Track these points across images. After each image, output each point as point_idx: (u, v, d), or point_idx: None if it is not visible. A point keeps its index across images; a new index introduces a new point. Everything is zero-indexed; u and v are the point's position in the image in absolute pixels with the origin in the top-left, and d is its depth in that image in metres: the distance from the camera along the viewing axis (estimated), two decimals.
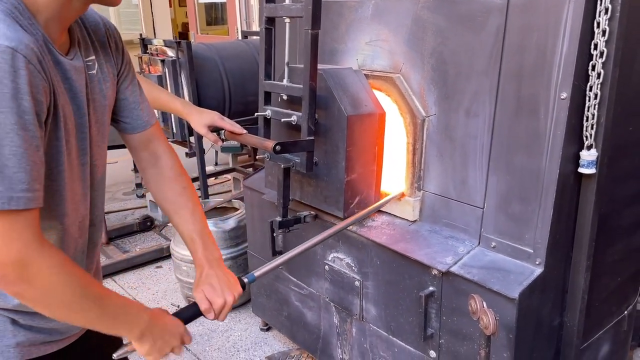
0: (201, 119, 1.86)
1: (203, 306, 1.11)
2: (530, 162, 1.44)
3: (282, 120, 1.79)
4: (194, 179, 3.79)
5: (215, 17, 7.37)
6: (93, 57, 1.01)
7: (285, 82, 1.81)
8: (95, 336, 1.00)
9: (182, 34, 8.70)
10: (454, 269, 1.53)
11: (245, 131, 1.86)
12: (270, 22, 1.83)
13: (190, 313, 1.13)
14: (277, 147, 1.68)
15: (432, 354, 1.64)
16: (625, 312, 1.84)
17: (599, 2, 1.28)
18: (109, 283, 3.09)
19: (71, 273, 0.86)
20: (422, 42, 1.65)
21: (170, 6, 8.70)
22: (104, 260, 3.18)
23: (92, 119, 1.00)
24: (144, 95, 1.17)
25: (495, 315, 1.18)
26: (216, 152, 4.76)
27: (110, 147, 1.29)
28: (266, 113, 1.90)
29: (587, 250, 1.47)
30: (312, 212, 1.95)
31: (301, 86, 1.69)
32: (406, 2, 1.69)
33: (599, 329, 1.71)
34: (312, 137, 1.74)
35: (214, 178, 4.44)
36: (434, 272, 1.57)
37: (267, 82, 1.87)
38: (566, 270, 1.52)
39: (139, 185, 4.54)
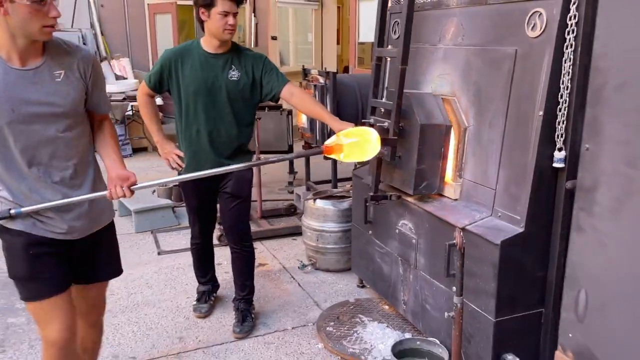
0: (341, 126, 2.51)
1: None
2: (522, 158, 2.15)
3: (378, 125, 2.69)
4: (327, 181, 4.81)
5: None
6: (61, 71, 1.73)
7: (384, 100, 2.71)
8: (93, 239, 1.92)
9: (347, 68, 10.01)
10: (468, 227, 2.27)
11: None
12: (378, 60, 2.77)
13: None
14: None
15: (454, 288, 2.38)
16: None
17: (565, 55, 1.98)
18: (258, 246, 4.22)
19: None
20: (468, 76, 2.45)
21: (338, 44, 10.09)
22: (258, 229, 4.32)
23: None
24: (103, 97, 1.93)
25: (462, 239, 1.93)
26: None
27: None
28: (370, 120, 2.79)
29: (561, 221, 2.11)
30: (397, 194, 2.79)
31: (391, 102, 2.58)
32: (462, 49, 2.50)
33: None
34: (396, 137, 2.60)
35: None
36: (456, 229, 2.32)
37: (373, 99, 2.80)
38: (548, 236, 2.17)
39: (290, 184, 5.76)
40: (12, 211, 1.78)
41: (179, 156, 2.76)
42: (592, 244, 1.34)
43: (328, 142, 2.08)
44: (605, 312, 1.30)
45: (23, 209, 1.79)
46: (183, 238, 4.32)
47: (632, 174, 1.37)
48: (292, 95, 2.72)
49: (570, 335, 1.33)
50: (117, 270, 2.14)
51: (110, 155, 1.93)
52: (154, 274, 3.69)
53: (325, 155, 2.10)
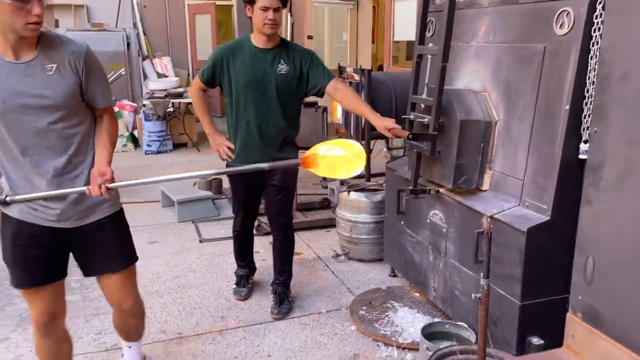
0: (382, 122, 2.71)
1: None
2: (549, 150, 2.25)
3: (418, 120, 2.81)
4: (360, 176, 4.94)
5: None
6: (53, 65, 1.77)
7: (424, 96, 2.82)
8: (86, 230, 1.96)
9: (381, 66, 10.12)
10: (496, 216, 2.39)
11: (407, 133, 2.76)
12: (419, 58, 2.88)
13: None
14: (409, 135, 2.71)
15: (482, 274, 2.49)
16: None
17: (591, 52, 2.08)
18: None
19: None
20: (499, 72, 2.57)
21: (373, 43, 10.22)
22: (293, 220, 4.50)
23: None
24: (99, 90, 1.92)
25: (489, 225, 2.05)
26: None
27: None
28: (410, 116, 2.91)
29: None
30: (435, 188, 2.90)
31: (432, 99, 2.69)
32: (493, 47, 2.61)
33: None
34: (436, 133, 2.70)
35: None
36: (484, 216, 2.44)
37: (413, 96, 2.91)
38: (573, 224, 2.26)
39: (324, 179, 5.92)
40: (7, 198, 1.87)
41: (229, 148, 2.94)
42: (598, 214, 1.46)
43: (306, 153, 1.92)
44: (610, 276, 1.41)
45: (16, 197, 1.86)
46: (222, 228, 4.54)
47: (631, 154, 1.50)
48: (337, 91, 2.87)
49: (579, 297, 1.45)
50: (119, 263, 2.08)
51: (100, 149, 1.94)
52: (196, 260, 3.91)
53: (303, 166, 1.96)
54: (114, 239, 2.07)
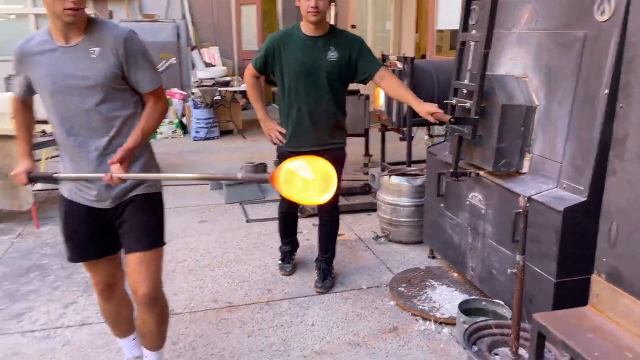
0: (424, 107, 2.81)
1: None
2: (587, 133, 2.33)
3: (460, 105, 2.91)
4: (401, 162, 5.05)
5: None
6: (97, 49, 1.87)
7: (466, 81, 2.92)
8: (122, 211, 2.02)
9: (424, 56, 10.12)
10: (534, 197, 2.48)
11: (449, 117, 2.86)
12: (462, 44, 2.98)
13: None
14: (451, 119, 2.82)
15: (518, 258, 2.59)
16: None
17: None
18: None
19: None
20: (540, 58, 2.64)
21: (416, 32, 10.21)
22: None
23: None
24: (141, 75, 1.95)
25: (526, 203, 2.15)
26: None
27: None
28: (452, 101, 3.01)
29: None
30: (476, 171, 3.00)
31: (474, 84, 2.79)
32: (535, 34, 2.69)
33: None
34: (477, 117, 2.79)
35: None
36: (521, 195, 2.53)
37: (456, 81, 3.02)
38: None
39: (365, 165, 6.06)
40: (55, 175, 1.97)
41: (280, 133, 3.10)
42: (622, 183, 1.55)
43: (276, 170, 1.78)
44: (631, 239, 1.50)
45: (61, 175, 1.97)
46: (268, 209, 4.75)
47: None
48: (383, 79, 3.00)
49: (603, 260, 1.54)
50: (141, 243, 2.05)
51: (132, 133, 1.96)
52: (243, 238, 4.13)
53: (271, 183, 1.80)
54: (141, 219, 2.06)
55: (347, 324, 2.90)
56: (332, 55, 2.94)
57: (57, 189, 2.18)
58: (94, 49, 1.88)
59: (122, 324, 2.37)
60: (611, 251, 1.51)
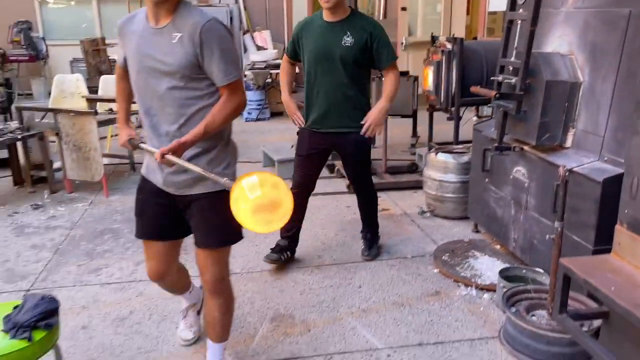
0: (375, 113, 3.07)
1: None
2: (629, 108, 2.41)
3: (506, 81, 3.03)
4: (448, 143, 5.15)
5: None
6: (178, 34, 1.84)
7: (513, 59, 3.03)
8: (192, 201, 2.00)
9: (475, 38, 10.04)
10: (575, 169, 2.59)
11: (495, 92, 3.01)
12: (510, 23, 3.09)
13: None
14: (496, 95, 2.95)
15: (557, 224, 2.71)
16: None
17: None
18: (381, 195, 4.73)
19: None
20: (585, 35, 2.72)
21: (468, 14, 10.13)
22: (381, 181, 4.86)
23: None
24: (216, 67, 1.87)
25: (565, 173, 2.27)
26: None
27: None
28: (499, 78, 3.13)
29: None
30: (520, 145, 3.10)
31: (520, 61, 2.90)
32: (582, 12, 2.76)
33: None
34: (522, 93, 2.91)
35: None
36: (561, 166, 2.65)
37: (502, 59, 3.13)
38: None
39: (413, 146, 6.18)
40: (135, 141, 2.04)
41: (300, 116, 3.23)
42: None
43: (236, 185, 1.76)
44: None
45: (138, 142, 2.05)
46: (318, 185, 4.96)
47: None
48: (386, 78, 3.13)
49: (625, 211, 1.66)
50: (206, 240, 2.05)
51: (193, 129, 1.91)
52: None
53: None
54: (209, 218, 2.02)
55: (392, 287, 3.10)
56: (348, 40, 2.98)
57: (123, 163, 2.38)
58: (176, 34, 1.85)
59: (176, 290, 2.50)
60: (632, 203, 1.64)
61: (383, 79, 3.21)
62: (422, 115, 5.99)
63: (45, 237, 3.87)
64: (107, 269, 3.37)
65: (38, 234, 3.93)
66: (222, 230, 2.04)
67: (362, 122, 3.12)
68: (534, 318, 2.49)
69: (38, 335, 1.81)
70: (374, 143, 5.29)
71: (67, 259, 3.52)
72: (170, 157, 1.84)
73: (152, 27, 1.90)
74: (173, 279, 2.34)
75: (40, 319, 1.82)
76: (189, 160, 1.93)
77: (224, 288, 2.18)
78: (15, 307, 1.88)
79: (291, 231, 3.37)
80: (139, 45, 1.92)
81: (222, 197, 1.89)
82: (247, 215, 1.70)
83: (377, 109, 3.13)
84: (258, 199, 1.69)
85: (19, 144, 4.90)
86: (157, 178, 2.04)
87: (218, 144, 2.01)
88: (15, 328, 1.78)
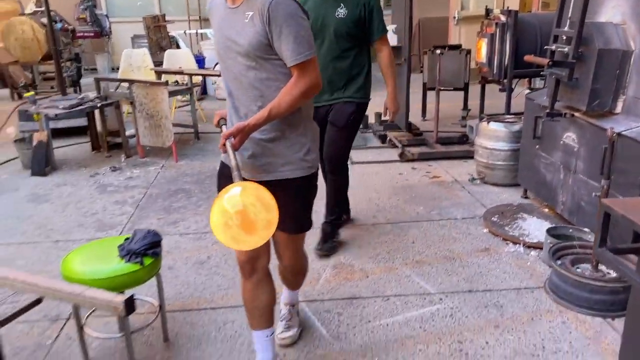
0: (390, 102, 3.16)
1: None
2: None
3: (559, 50, 3.17)
4: (496, 114, 5.27)
5: None
6: (250, 13, 1.77)
7: (566, 28, 3.16)
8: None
9: (530, 12, 9.90)
10: (624, 133, 2.73)
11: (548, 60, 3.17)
12: None
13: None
14: (550, 62, 3.10)
15: (603, 182, 2.86)
16: None
17: None
18: (432, 164, 4.94)
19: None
20: (638, 6, 2.83)
21: None
22: (432, 150, 5.05)
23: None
24: (285, 46, 1.76)
25: (613, 134, 2.43)
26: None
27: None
28: (552, 47, 3.27)
29: None
30: (570, 112, 3.25)
31: (573, 30, 3.03)
32: None
33: None
34: (574, 60, 3.04)
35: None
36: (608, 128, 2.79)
37: (556, 29, 3.27)
38: None
39: (463, 118, 6.32)
40: (222, 123, 2.01)
41: None
42: None
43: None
44: None
45: (221, 125, 2.00)
46: (369, 154, 5.22)
47: None
48: (380, 51, 3.08)
49: None
50: (284, 225, 1.80)
51: (257, 112, 1.85)
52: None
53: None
54: (287, 204, 1.82)
55: (443, 243, 3.34)
56: (341, 12, 2.95)
57: (188, 132, 2.48)
58: (249, 12, 1.79)
59: (257, 310, 2.11)
60: None
61: (377, 55, 3.11)
62: (473, 90, 6.10)
63: (126, 195, 4.30)
64: (183, 222, 3.75)
65: (119, 192, 4.37)
66: (302, 217, 2.06)
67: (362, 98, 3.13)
68: (578, 270, 2.69)
69: (147, 261, 2.16)
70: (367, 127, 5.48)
71: (147, 213, 3.93)
72: (227, 143, 1.80)
73: (230, 6, 1.86)
74: (264, 272, 2.10)
75: (149, 247, 2.17)
76: (268, 143, 1.90)
77: (301, 265, 2.28)
78: (126, 239, 2.25)
79: (337, 207, 3.37)
80: (220, 26, 1.91)
81: (302, 183, 1.96)
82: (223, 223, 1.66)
83: (390, 98, 3.18)
84: (239, 214, 1.65)
85: (96, 112, 5.37)
86: (227, 161, 1.98)
87: (295, 129, 1.93)
88: (129, 254, 2.14)
